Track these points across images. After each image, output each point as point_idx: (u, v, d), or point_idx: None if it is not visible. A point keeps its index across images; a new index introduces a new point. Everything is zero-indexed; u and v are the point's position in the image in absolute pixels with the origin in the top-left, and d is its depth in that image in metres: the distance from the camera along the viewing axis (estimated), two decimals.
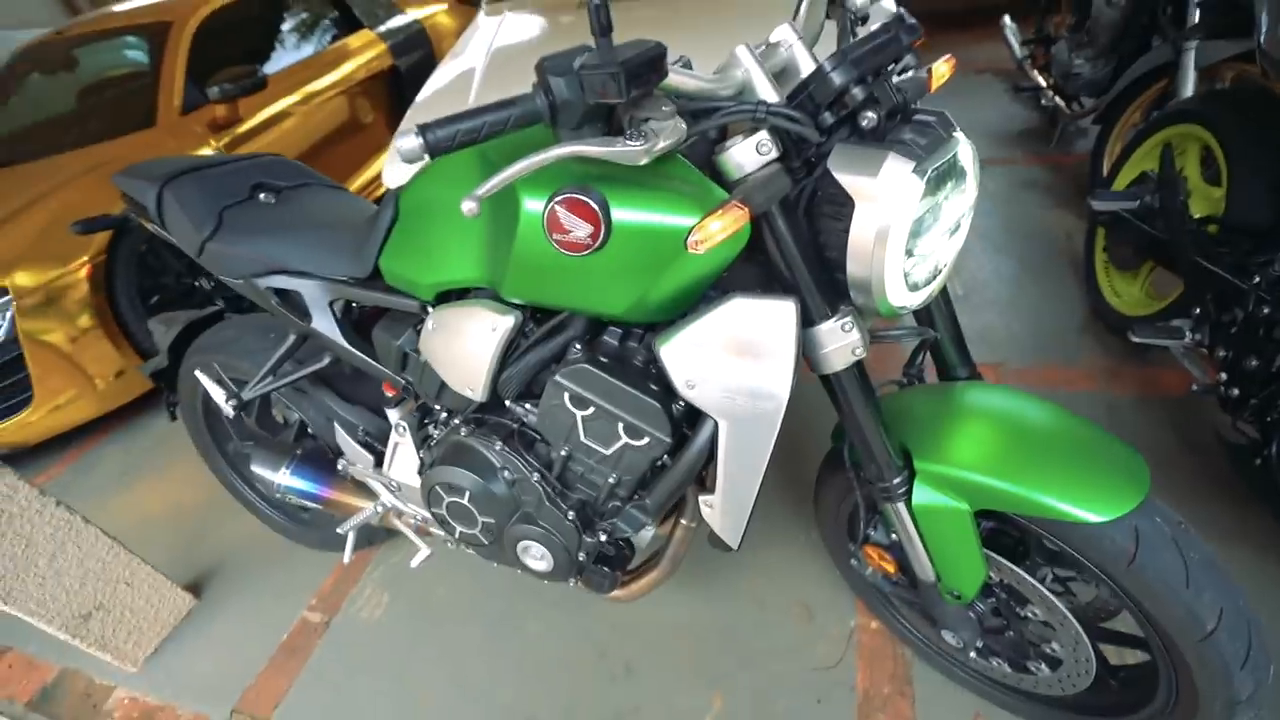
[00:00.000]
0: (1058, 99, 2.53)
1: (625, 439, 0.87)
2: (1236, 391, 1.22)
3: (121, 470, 2.24)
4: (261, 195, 1.22)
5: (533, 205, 0.72)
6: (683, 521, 1.05)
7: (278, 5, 3.23)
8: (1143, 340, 1.40)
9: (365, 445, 1.24)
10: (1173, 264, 1.46)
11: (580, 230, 0.70)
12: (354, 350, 1.14)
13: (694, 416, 0.87)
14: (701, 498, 0.89)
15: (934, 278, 0.75)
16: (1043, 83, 2.64)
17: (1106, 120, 2.14)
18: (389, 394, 1.20)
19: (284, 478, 1.30)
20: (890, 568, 0.97)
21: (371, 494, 1.33)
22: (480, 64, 2.04)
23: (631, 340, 0.90)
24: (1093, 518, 0.73)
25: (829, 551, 1.24)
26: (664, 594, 1.45)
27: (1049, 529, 0.79)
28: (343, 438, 1.25)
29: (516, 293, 0.83)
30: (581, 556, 1.01)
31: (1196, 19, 1.73)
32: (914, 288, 0.73)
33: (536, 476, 0.98)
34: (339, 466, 1.31)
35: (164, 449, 2.28)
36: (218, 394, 1.27)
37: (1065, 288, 2.03)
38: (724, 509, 0.87)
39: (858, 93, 0.65)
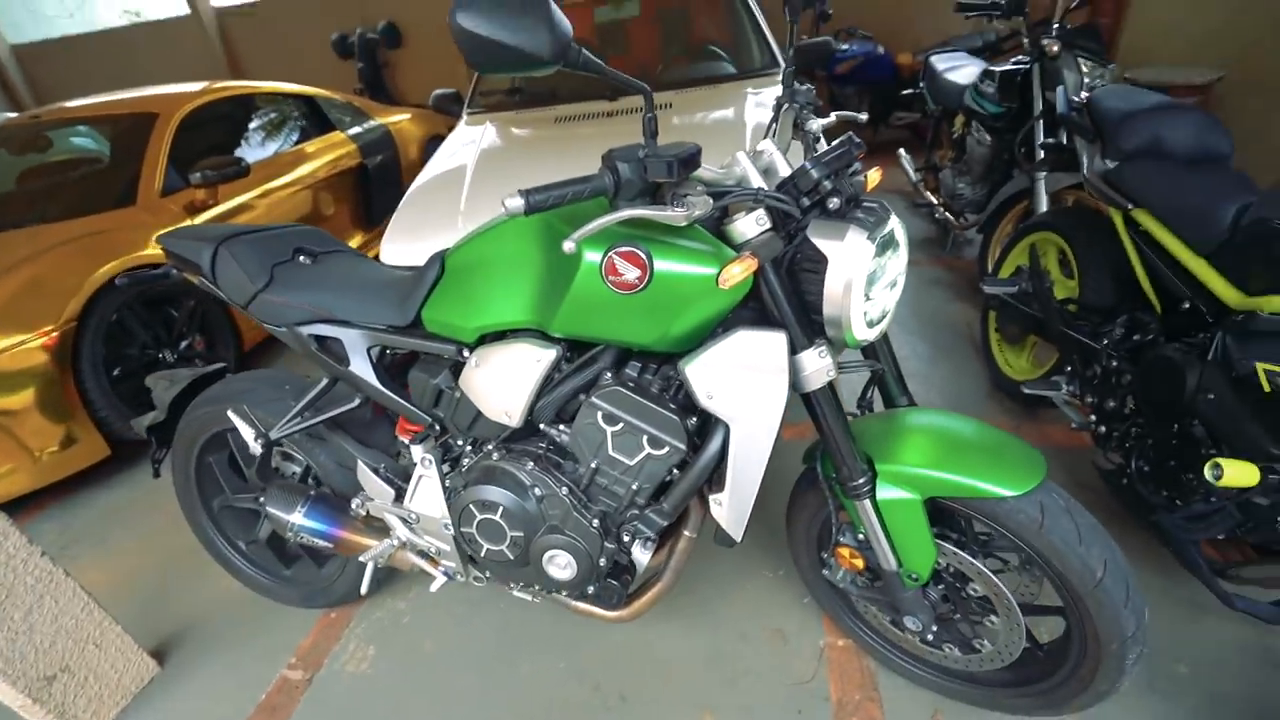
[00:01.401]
0: (947, 214, 3.09)
1: (648, 450, 1.06)
2: (1103, 428, 1.55)
3: (62, 544, 2.12)
4: (301, 257, 1.39)
5: (592, 256, 0.95)
6: (685, 533, 1.21)
7: (255, 105, 3.47)
8: (1032, 391, 1.75)
9: (387, 481, 1.34)
10: (1047, 335, 1.85)
11: (631, 274, 0.93)
12: (386, 391, 1.28)
13: (702, 433, 1.07)
14: (711, 496, 1.07)
15: (882, 319, 1.02)
16: (934, 201, 3.23)
17: (986, 230, 2.67)
18: (405, 435, 1.33)
19: (298, 517, 1.36)
20: (859, 563, 1.17)
21: (381, 533, 1.41)
22: (471, 161, 2.32)
23: (648, 371, 1.11)
24: (1007, 493, 0.98)
25: (799, 568, 1.41)
26: (652, 628, 1.56)
27: (978, 509, 1.03)
28: (365, 475, 1.35)
29: (564, 327, 1.03)
30: (602, 563, 1.15)
31: (1041, 157, 2.28)
32: (870, 324, 0.99)
33: (565, 490, 1.13)
34: (353, 505, 1.38)
35: (107, 522, 2.19)
36: (248, 433, 1.35)
37: (969, 364, 2.42)
38: (731, 504, 1.05)
39: (827, 184, 0.94)
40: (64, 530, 2.19)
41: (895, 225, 0.99)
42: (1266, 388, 1.07)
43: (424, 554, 1.39)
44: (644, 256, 0.92)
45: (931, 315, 2.77)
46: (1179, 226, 1.40)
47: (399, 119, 4.48)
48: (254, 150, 3.32)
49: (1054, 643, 1.18)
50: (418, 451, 1.29)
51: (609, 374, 1.08)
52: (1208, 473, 1.07)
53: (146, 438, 1.60)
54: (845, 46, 4.61)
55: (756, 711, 1.36)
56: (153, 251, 2.48)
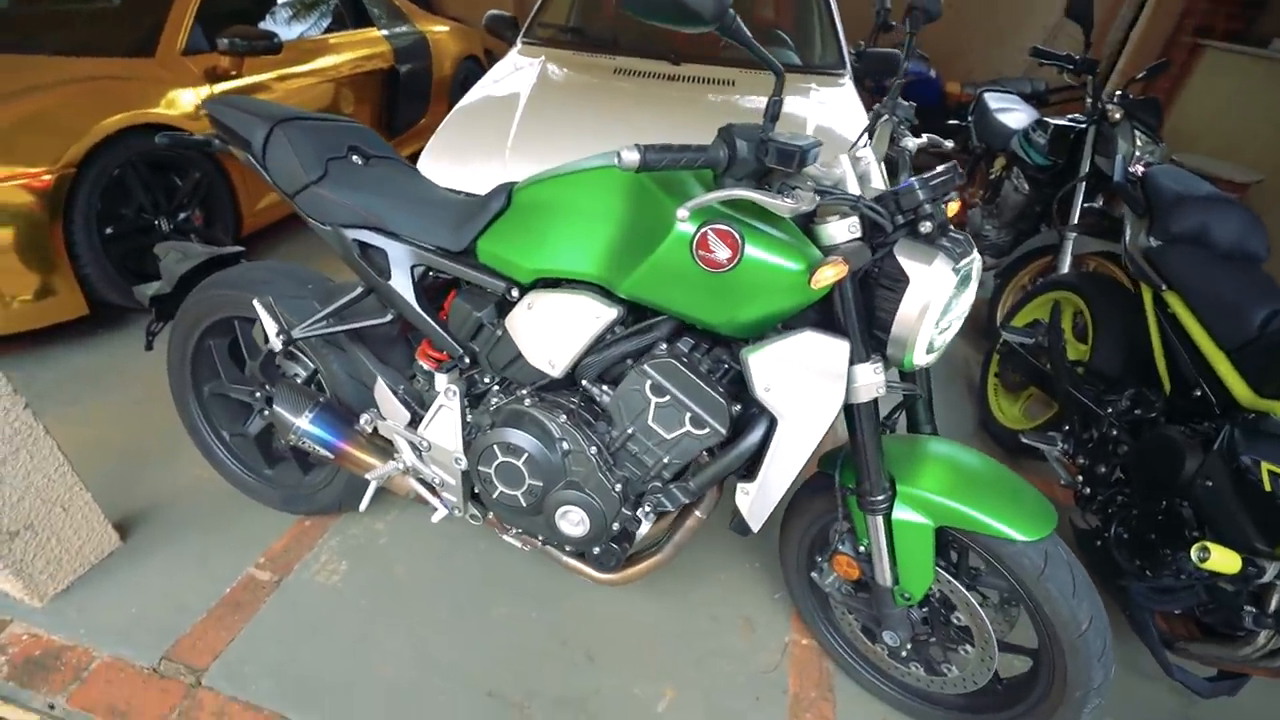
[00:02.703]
0: None
1: (688, 427, 1.06)
2: (1088, 490, 1.63)
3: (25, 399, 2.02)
4: (355, 157, 1.33)
5: (685, 227, 0.93)
6: (697, 513, 1.23)
7: None
8: (1029, 442, 1.82)
9: (404, 403, 1.31)
10: (1051, 391, 1.91)
11: (722, 253, 0.92)
12: (423, 313, 1.25)
13: (742, 422, 1.08)
14: (740, 484, 1.08)
15: (939, 349, 1.04)
16: None
17: (1003, 276, 2.72)
18: (426, 360, 1.30)
19: (304, 422, 1.33)
20: (855, 573, 1.21)
21: (384, 453, 1.39)
22: (524, 94, 2.24)
23: (699, 350, 1.11)
24: (1019, 537, 1.02)
25: (784, 565, 1.45)
26: (628, 596, 1.59)
27: (984, 545, 1.07)
28: (383, 393, 1.32)
29: (633, 290, 1.02)
30: (615, 527, 1.16)
31: (1077, 219, 2.32)
32: (929, 351, 1.01)
33: (594, 450, 1.13)
34: (362, 420, 1.36)
35: (77, 384, 2.09)
36: (270, 326, 1.30)
37: (961, 401, 2.50)
38: (758, 496, 1.07)
39: (928, 208, 0.94)
40: (29, 383, 2.09)
41: (975, 262, 1.00)
42: (1267, 486, 1.13)
43: (425, 483, 1.38)
44: (738, 238, 0.91)
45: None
46: (1208, 318, 1.46)
47: (438, 29, 4.28)
48: (282, 28, 3.13)
49: (1015, 679, 1.25)
50: (441, 381, 1.27)
51: (663, 345, 1.08)
52: (1194, 554, 1.14)
53: (148, 307, 1.54)
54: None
55: (716, 692, 1.41)
56: (164, 111, 2.34)
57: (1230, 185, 2.89)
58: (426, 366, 1.33)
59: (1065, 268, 2.31)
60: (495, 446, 1.17)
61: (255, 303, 1.31)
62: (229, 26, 2.57)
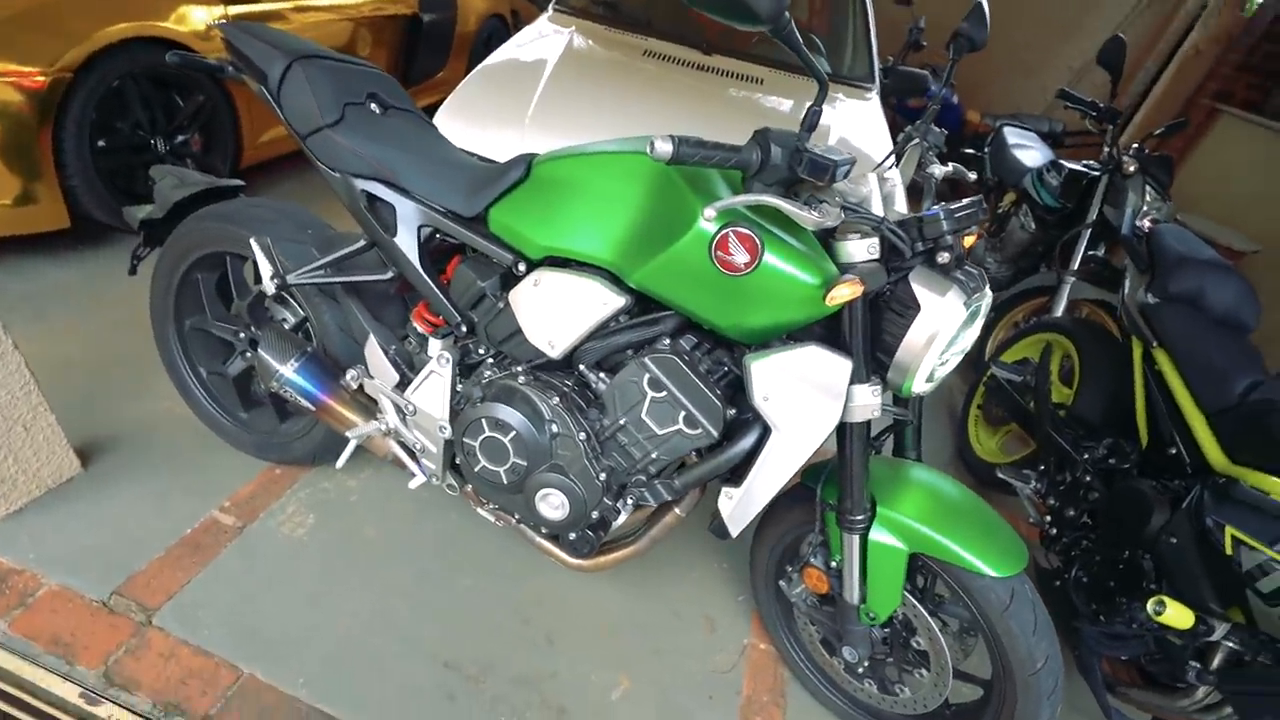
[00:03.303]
0: None
1: (681, 425, 1.06)
2: (1055, 531, 1.66)
3: None
4: (373, 105, 1.28)
5: (707, 226, 0.92)
6: (676, 510, 1.23)
7: None
8: (1004, 477, 1.85)
9: (394, 364, 1.29)
10: (1031, 430, 1.95)
11: (740, 257, 0.91)
12: (424, 274, 1.22)
13: (735, 427, 1.08)
14: (725, 488, 1.08)
15: (938, 380, 1.04)
16: None
17: (998, 311, 2.75)
18: (421, 324, 1.28)
19: (289, 371, 1.29)
20: (824, 587, 1.22)
21: (367, 412, 1.36)
22: (550, 63, 2.18)
23: (701, 349, 1.10)
24: (991, 573, 1.04)
25: (752, 570, 1.46)
26: (593, 583, 1.59)
27: (956, 576, 1.09)
28: (373, 352, 1.29)
29: (645, 281, 1.00)
30: (594, 515, 1.15)
31: (1078, 264, 2.35)
32: (929, 380, 1.01)
33: (583, 435, 1.12)
34: (348, 376, 1.33)
35: (50, 298, 2.02)
36: (266, 268, 1.26)
37: (939, 428, 2.53)
38: (742, 502, 1.07)
39: (949, 239, 0.94)
40: (0, 292, 2.01)
41: (986, 299, 1.00)
42: (1228, 550, 1.16)
43: (406, 447, 1.36)
44: (759, 243, 0.90)
45: None
46: (1193, 379, 1.49)
47: None
48: None
49: (964, 706, 1.27)
50: (435, 346, 1.24)
51: (666, 340, 1.07)
52: (1150, 606, 1.17)
53: (136, 230, 1.48)
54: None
55: (671, 687, 1.43)
56: (173, 26, 2.24)
57: (1228, 252, 2.95)
58: (421, 329, 1.31)
59: (1060, 310, 2.34)
60: (483, 420, 1.15)
61: (252, 241, 1.27)
62: None
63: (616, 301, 1.05)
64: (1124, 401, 1.70)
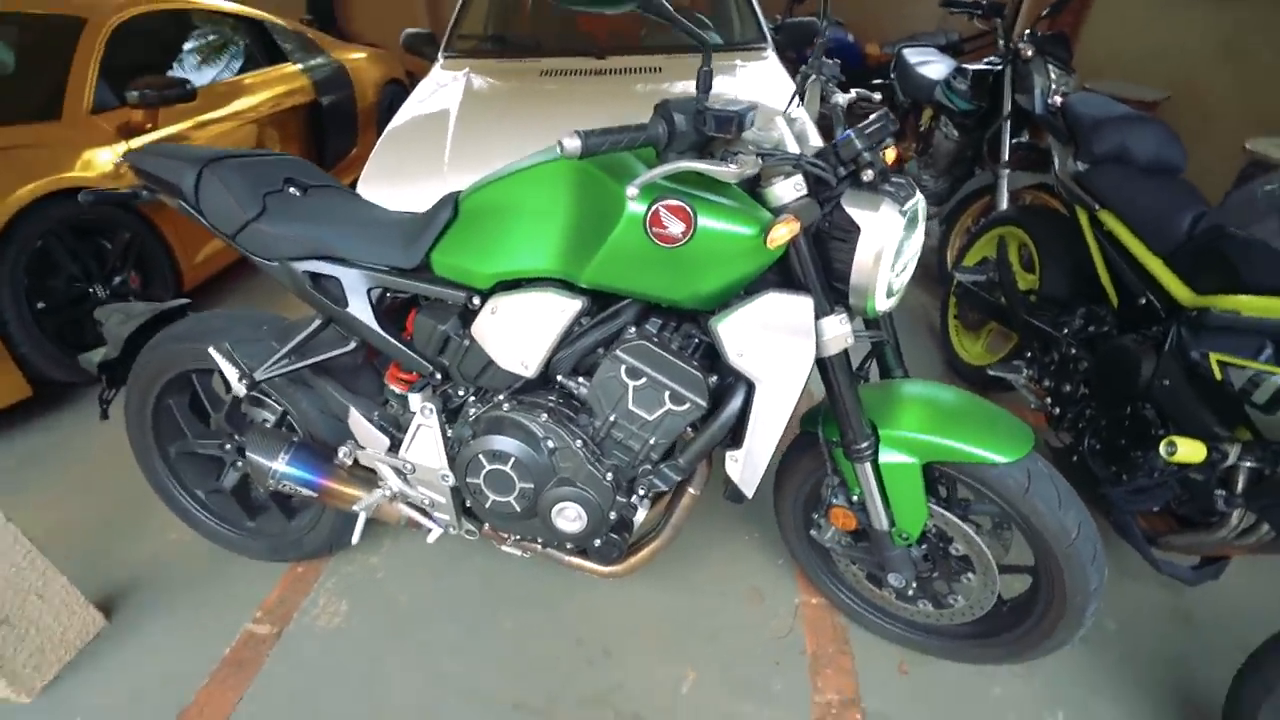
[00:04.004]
0: None
1: (669, 405, 1.07)
2: (1058, 410, 1.69)
3: None
4: (291, 189, 1.30)
5: (637, 207, 0.94)
6: (690, 490, 1.24)
7: (194, 23, 3.16)
8: (995, 374, 1.88)
9: (381, 429, 1.29)
10: (1008, 322, 1.98)
11: (675, 228, 0.93)
12: (386, 335, 1.23)
13: (720, 394, 1.09)
14: (729, 453, 1.10)
15: (899, 291, 1.07)
16: None
17: (947, 223, 2.81)
18: (396, 384, 1.28)
19: (281, 465, 1.29)
20: (852, 523, 1.23)
21: (367, 483, 1.36)
22: (453, 109, 2.21)
23: (668, 329, 1.12)
24: (1000, 460, 1.06)
25: (782, 528, 1.48)
26: (632, 586, 1.59)
27: (969, 473, 1.10)
28: (358, 422, 1.29)
29: (595, 277, 1.02)
30: (612, 516, 1.16)
31: (1008, 155, 2.41)
32: (889, 295, 1.03)
33: (579, 443, 1.13)
34: (340, 454, 1.33)
35: (26, 469, 2.00)
36: (231, 372, 1.26)
37: (926, 347, 2.56)
38: (748, 461, 1.08)
39: (866, 156, 0.96)
40: None
41: (920, 202, 1.03)
42: (1218, 375, 1.19)
43: (415, 506, 1.36)
44: (690, 211, 0.92)
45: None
46: (1141, 229, 1.53)
47: (356, 56, 4.20)
48: (193, 74, 3.03)
49: (1018, 599, 1.29)
50: (416, 400, 1.25)
51: (632, 328, 1.08)
52: (1162, 449, 1.20)
53: (97, 375, 1.47)
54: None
55: (737, 665, 1.43)
56: (80, 174, 2.24)
57: (1141, 105, 3.03)
58: (398, 390, 1.31)
59: (1004, 204, 2.39)
60: (480, 456, 1.16)
61: (211, 351, 1.27)
62: (136, 78, 2.47)
63: (574, 305, 1.06)
64: (1086, 270, 1.74)
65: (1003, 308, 1.99)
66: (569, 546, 1.30)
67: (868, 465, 1.14)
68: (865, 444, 1.12)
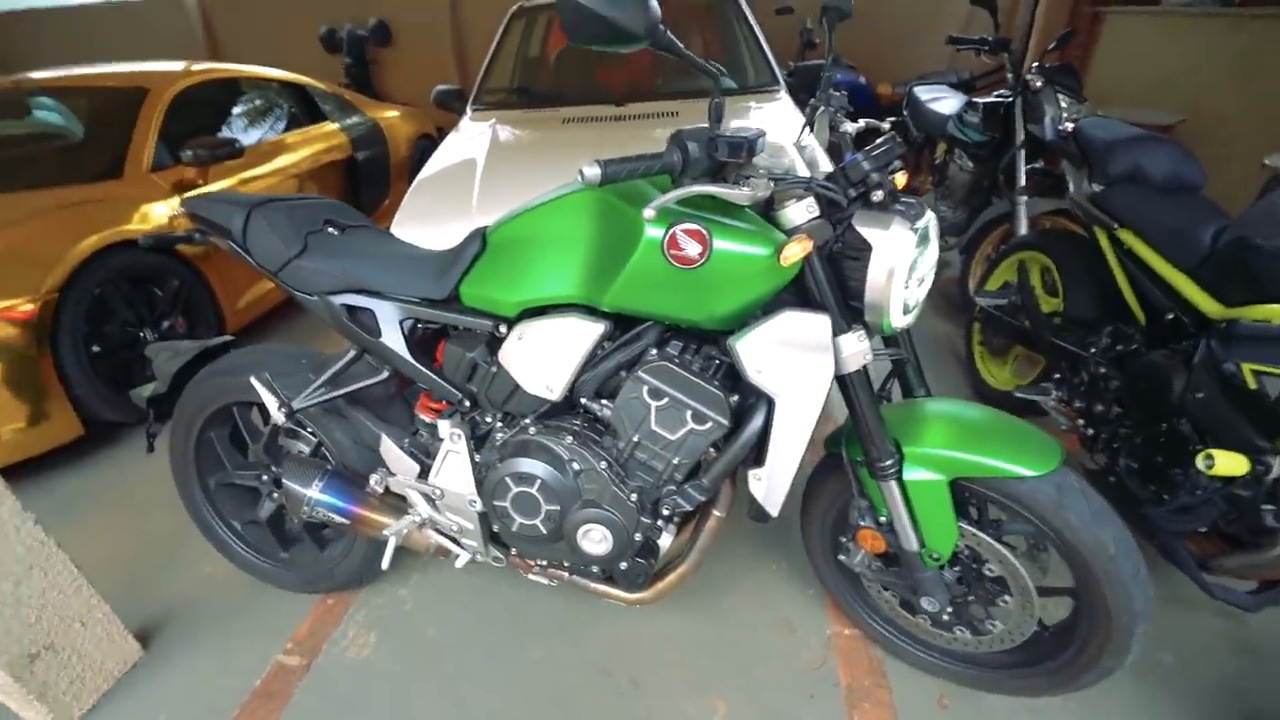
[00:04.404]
0: None
1: (691, 425, 1.09)
2: (1090, 431, 1.65)
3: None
4: (330, 229, 1.38)
5: (654, 232, 0.98)
6: (715, 513, 1.24)
7: (243, 89, 3.41)
8: (1024, 396, 1.85)
9: (411, 456, 1.33)
10: (1034, 345, 1.96)
11: (692, 250, 0.97)
12: (417, 364, 1.28)
13: (742, 414, 1.11)
14: (751, 472, 1.10)
15: (915, 309, 1.08)
16: None
17: (967, 252, 2.81)
18: (426, 413, 1.32)
19: (315, 492, 1.33)
20: (881, 545, 1.21)
21: (397, 511, 1.39)
22: (481, 157, 2.33)
23: (688, 351, 1.15)
24: (1029, 474, 1.04)
25: (810, 555, 1.45)
26: (658, 616, 1.57)
27: (999, 489, 1.09)
28: (389, 450, 1.33)
29: (616, 301, 1.06)
30: (637, 537, 1.16)
31: (1024, 182, 2.43)
32: (905, 312, 1.05)
33: (604, 465, 1.14)
34: (372, 482, 1.36)
35: (77, 504, 2.07)
36: (271, 401, 1.32)
37: (952, 374, 2.54)
38: (771, 479, 1.09)
39: (874, 177, 1.00)
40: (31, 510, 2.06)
41: (931, 220, 1.05)
42: (1252, 384, 1.17)
43: (444, 533, 1.38)
44: (705, 233, 0.96)
45: (914, 329, 2.89)
46: (1162, 245, 1.52)
47: (389, 114, 4.45)
48: (241, 134, 3.25)
49: (1060, 624, 1.24)
50: (445, 427, 1.28)
51: (653, 350, 1.11)
52: (1200, 463, 1.16)
53: (145, 408, 1.55)
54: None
55: (768, 696, 1.39)
56: (137, 226, 2.40)
57: (1157, 129, 3.03)
58: (427, 419, 1.35)
59: (1022, 230, 2.39)
60: (507, 479, 1.18)
61: (252, 380, 1.33)
62: (191, 140, 2.67)
63: (596, 329, 1.10)
64: (1110, 290, 1.73)
65: (1028, 331, 1.97)
66: (595, 571, 1.30)
67: (893, 483, 1.13)
68: (889, 462, 1.12)
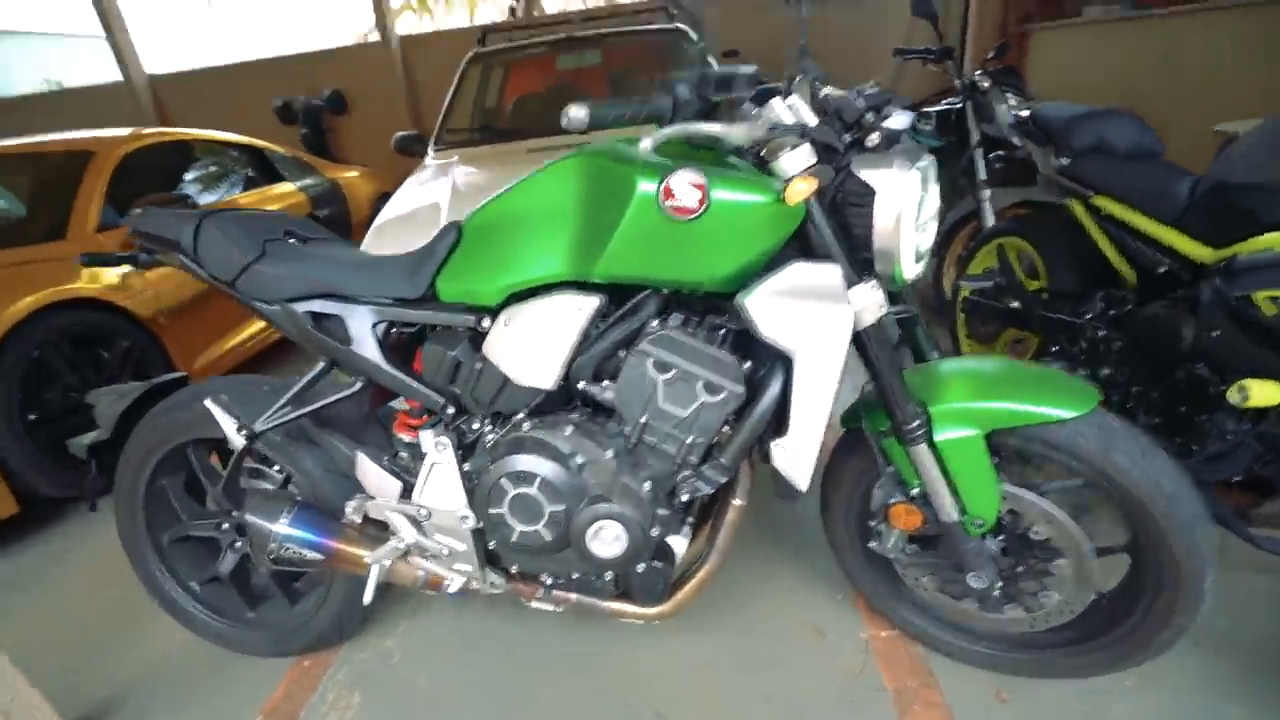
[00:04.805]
0: None
1: (703, 397, 0.99)
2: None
3: None
4: (291, 240, 1.28)
5: (647, 185, 0.91)
6: (734, 501, 1.12)
7: (197, 154, 3.34)
8: None
9: (392, 474, 1.19)
10: (1027, 324, 1.94)
11: (689, 198, 0.90)
12: (394, 371, 1.17)
13: (756, 385, 1.02)
14: (774, 443, 1.00)
15: (924, 256, 1.03)
16: None
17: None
18: (405, 431, 1.20)
19: (283, 527, 1.18)
20: (916, 520, 1.11)
21: (377, 542, 1.24)
22: (446, 195, 2.27)
23: (690, 324, 1.06)
24: (1072, 414, 0.97)
25: (836, 548, 1.34)
26: (677, 638, 1.42)
27: (1041, 438, 1.01)
28: (366, 469, 1.20)
29: (609, 269, 0.97)
30: (654, 532, 1.04)
31: (984, 176, 2.48)
32: (918, 259, 0.99)
33: (610, 454, 1.03)
34: (348, 510, 1.22)
35: (10, 591, 1.84)
36: (228, 424, 1.18)
37: None
38: (795, 447, 0.99)
39: (870, 117, 0.96)
40: None
41: (930, 162, 1.02)
42: (1268, 312, 1.14)
43: (433, 557, 1.23)
44: (703, 181, 0.90)
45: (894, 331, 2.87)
46: (1142, 203, 1.53)
47: (349, 174, 4.42)
48: (197, 196, 3.16)
49: (1117, 588, 1.14)
50: (428, 437, 1.16)
51: (654, 322, 1.03)
52: (1234, 396, 1.11)
53: (85, 459, 1.38)
54: None
55: (809, 711, 1.24)
56: (82, 285, 2.26)
57: None
58: (407, 438, 1.23)
59: (989, 223, 2.43)
60: (503, 481, 1.06)
61: (208, 402, 1.19)
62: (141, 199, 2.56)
63: (591, 302, 1.02)
64: (1093, 259, 1.73)
65: (1017, 312, 1.95)
66: (608, 584, 1.17)
67: (924, 447, 1.05)
68: (917, 423, 1.03)
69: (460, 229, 1.13)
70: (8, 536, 2.06)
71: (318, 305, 1.17)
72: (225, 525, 1.40)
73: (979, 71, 2.63)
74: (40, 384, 2.11)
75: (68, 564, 1.92)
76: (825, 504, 1.30)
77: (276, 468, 1.33)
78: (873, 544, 1.20)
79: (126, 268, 2.43)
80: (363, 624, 1.50)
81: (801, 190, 0.88)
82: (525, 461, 1.04)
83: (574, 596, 1.24)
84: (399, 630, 1.53)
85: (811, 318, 0.95)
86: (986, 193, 2.47)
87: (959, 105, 2.70)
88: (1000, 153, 2.48)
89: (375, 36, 6.02)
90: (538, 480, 1.04)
